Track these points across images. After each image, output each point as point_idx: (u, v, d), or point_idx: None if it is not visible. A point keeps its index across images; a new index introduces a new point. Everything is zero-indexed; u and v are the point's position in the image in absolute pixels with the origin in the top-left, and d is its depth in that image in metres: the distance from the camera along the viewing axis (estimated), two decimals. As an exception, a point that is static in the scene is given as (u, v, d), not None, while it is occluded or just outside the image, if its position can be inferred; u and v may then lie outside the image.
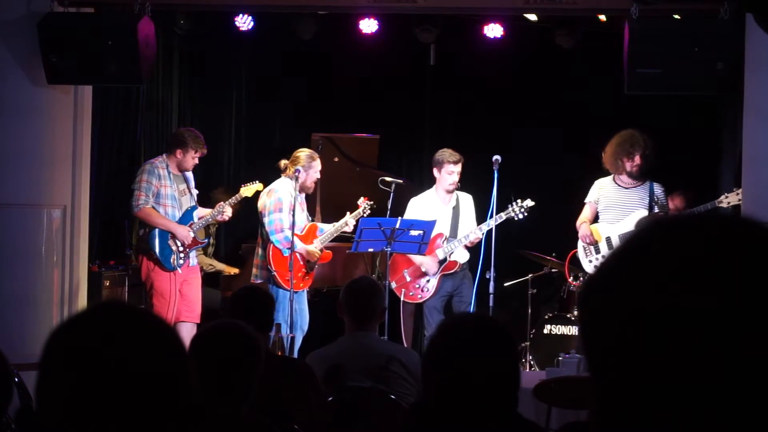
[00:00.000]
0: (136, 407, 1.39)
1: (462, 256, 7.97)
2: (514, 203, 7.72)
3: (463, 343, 2.52)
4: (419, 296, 7.93)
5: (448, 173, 7.87)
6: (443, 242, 7.90)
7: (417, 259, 7.87)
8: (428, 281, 7.91)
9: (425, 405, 2.54)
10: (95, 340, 1.42)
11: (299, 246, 7.77)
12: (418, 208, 8.01)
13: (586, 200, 7.66)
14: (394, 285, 7.87)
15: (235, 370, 3.05)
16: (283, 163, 7.96)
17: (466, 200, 8.07)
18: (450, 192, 7.96)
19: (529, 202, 7.71)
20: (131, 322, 1.46)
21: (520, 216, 7.72)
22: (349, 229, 8.03)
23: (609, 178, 7.60)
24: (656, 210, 7.42)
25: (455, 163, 7.85)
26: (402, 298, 7.92)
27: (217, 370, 3.02)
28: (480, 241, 7.80)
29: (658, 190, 7.49)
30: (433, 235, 7.80)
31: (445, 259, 7.90)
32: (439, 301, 7.90)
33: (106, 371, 1.39)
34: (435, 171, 7.98)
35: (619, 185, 7.53)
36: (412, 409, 2.84)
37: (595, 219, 7.64)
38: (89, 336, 1.43)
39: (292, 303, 7.65)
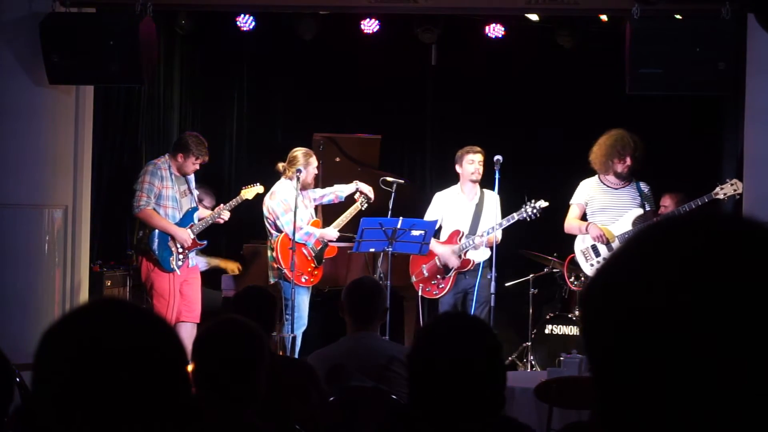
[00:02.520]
0: (133, 404, 1.39)
1: (479, 255, 7.93)
2: (527, 204, 7.69)
3: (443, 343, 2.52)
4: (434, 292, 7.95)
5: (469, 162, 7.86)
6: (459, 239, 7.90)
7: (436, 249, 7.86)
8: (443, 278, 7.92)
9: (410, 406, 2.55)
10: (91, 336, 1.42)
11: (318, 232, 7.97)
12: (442, 202, 8.01)
13: (573, 201, 7.61)
14: (414, 279, 7.92)
15: (242, 369, 3.04)
16: (281, 165, 8.00)
17: (491, 199, 7.97)
18: (474, 182, 7.92)
19: (542, 203, 7.67)
20: (127, 319, 1.46)
21: (533, 217, 7.70)
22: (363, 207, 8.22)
23: (595, 179, 7.57)
24: (648, 207, 7.42)
25: (476, 152, 7.86)
26: (420, 293, 7.93)
27: (223, 369, 3.01)
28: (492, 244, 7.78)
29: (645, 188, 7.49)
30: (451, 231, 7.84)
31: (459, 257, 7.89)
32: (452, 299, 7.89)
33: (102, 368, 1.39)
34: (457, 167, 7.96)
35: (608, 186, 7.51)
36: (394, 411, 2.84)
37: (583, 219, 7.62)
38: (85, 332, 1.43)
39: (293, 300, 7.68)
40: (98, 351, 1.40)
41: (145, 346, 1.42)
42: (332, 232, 8.09)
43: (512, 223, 7.67)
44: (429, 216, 7.96)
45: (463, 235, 7.91)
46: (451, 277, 7.89)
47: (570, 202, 7.64)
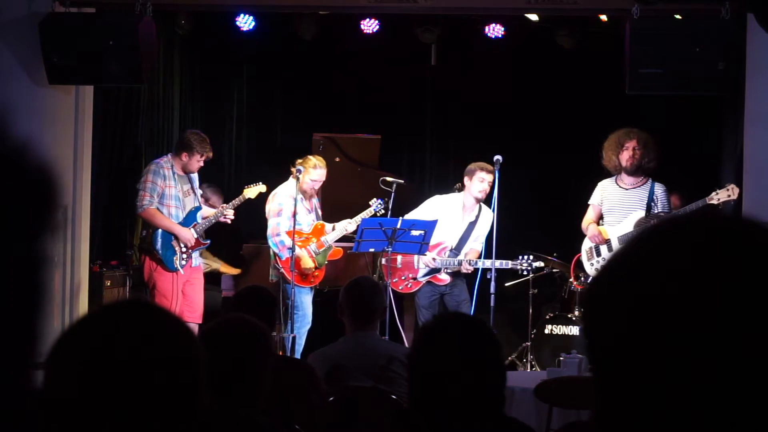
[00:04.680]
0: (149, 404, 1.38)
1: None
2: (523, 258, 7.74)
3: (443, 344, 2.52)
4: (400, 287, 8.04)
5: (480, 180, 7.80)
6: (444, 254, 7.92)
7: None
8: (414, 280, 7.96)
9: (411, 408, 2.55)
10: (106, 340, 1.41)
11: (297, 250, 7.81)
12: (437, 207, 7.96)
13: (590, 202, 7.66)
14: (383, 261, 7.84)
15: (247, 368, 3.04)
16: (298, 162, 8.01)
17: (485, 218, 7.98)
18: (478, 201, 7.90)
19: (540, 264, 7.77)
20: (150, 321, 1.45)
21: (525, 273, 7.79)
22: (352, 228, 8.11)
23: (611, 180, 7.59)
24: (655, 211, 7.40)
25: (489, 172, 7.77)
26: (389, 284, 7.92)
27: (227, 367, 3.01)
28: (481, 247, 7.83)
29: (659, 190, 7.47)
30: (437, 241, 7.82)
31: (438, 270, 7.92)
32: (427, 300, 7.92)
33: (115, 371, 1.38)
34: (466, 179, 7.90)
35: (621, 186, 7.52)
36: (398, 415, 2.83)
37: (600, 221, 7.63)
38: (100, 335, 1.42)
39: (293, 301, 7.69)
40: (112, 355, 1.39)
41: (165, 349, 1.42)
42: (308, 261, 7.96)
43: (501, 268, 7.67)
44: (418, 214, 7.94)
45: (447, 249, 7.91)
46: (423, 282, 7.95)
47: (588, 203, 7.68)
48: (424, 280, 7.94)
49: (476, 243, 7.92)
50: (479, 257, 7.86)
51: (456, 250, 7.93)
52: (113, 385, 1.37)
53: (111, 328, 1.43)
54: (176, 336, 1.45)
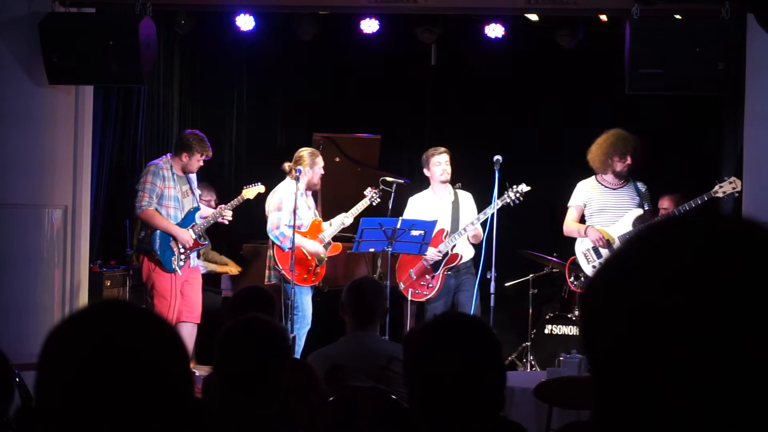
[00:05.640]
0: (137, 404, 1.38)
1: (466, 253, 7.96)
2: (509, 189, 7.69)
3: (443, 344, 2.52)
4: (425, 293, 7.95)
5: (436, 164, 7.90)
6: (444, 237, 7.91)
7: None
8: (432, 278, 7.92)
9: (411, 408, 2.55)
10: (95, 337, 1.41)
11: (310, 246, 7.86)
12: (417, 206, 8.01)
13: (571, 204, 7.61)
14: (402, 285, 7.91)
15: (268, 369, 3.05)
16: (287, 165, 7.98)
17: (466, 197, 8.08)
18: (444, 183, 7.95)
19: (524, 187, 7.68)
20: (131, 320, 1.46)
21: (516, 202, 7.69)
22: (349, 222, 8.12)
23: (592, 180, 7.57)
24: (646, 207, 7.44)
25: (440, 153, 7.90)
26: (409, 298, 7.93)
27: (249, 368, 3.01)
28: (481, 240, 7.77)
29: (643, 187, 7.51)
30: (435, 231, 7.83)
31: (447, 253, 7.90)
32: (441, 304, 7.89)
33: (112, 368, 1.38)
34: (425, 170, 8.03)
35: (606, 186, 7.50)
36: (398, 415, 2.84)
37: (581, 222, 7.61)
38: (89, 333, 1.43)
39: (293, 301, 7.68)
40: (109, 351, 1.39)
41: (152, 347, 1.42)
42: (313, 245, 7.98)
43: (498, 208, 7.61)
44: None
45: (447, 233, 7.92)
46: (440, 276, 7.90)
47: (568, 205, 7.63)
48: (441, 271, 7.91)
49: (474, 228, 7.88)
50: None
51: (454, 232, 7.93)
52: (108, 386, 1.37)
53: (106, 328, 1.43)
54: (164, 336, 1.46)
